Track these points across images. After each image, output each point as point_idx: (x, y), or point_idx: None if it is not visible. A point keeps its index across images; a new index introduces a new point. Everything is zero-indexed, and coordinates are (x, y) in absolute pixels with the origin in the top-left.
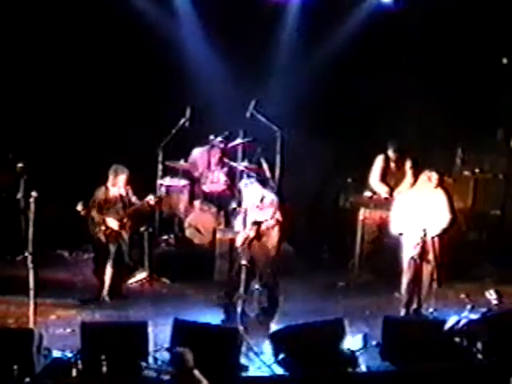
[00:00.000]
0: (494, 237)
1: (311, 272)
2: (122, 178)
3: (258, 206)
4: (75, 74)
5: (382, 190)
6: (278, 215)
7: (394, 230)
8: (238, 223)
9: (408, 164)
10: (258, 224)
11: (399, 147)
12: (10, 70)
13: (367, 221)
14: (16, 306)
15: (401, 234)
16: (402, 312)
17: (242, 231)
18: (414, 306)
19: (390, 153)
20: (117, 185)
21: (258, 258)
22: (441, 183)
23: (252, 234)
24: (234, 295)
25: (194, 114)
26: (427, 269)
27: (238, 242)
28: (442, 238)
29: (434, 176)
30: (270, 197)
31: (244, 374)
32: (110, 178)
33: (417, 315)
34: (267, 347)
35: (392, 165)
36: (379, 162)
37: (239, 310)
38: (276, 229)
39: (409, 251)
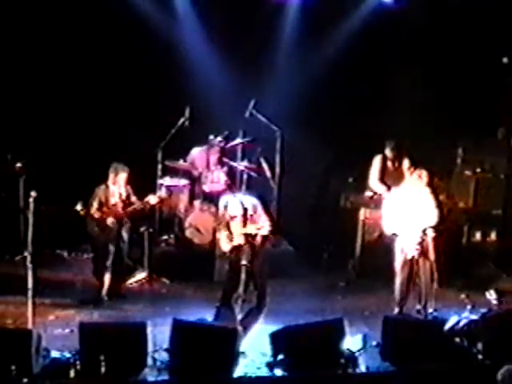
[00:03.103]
0: (495, 236)
1: (311, 272)
2: (123, 176)
3: (251, 215)
4: (74, 73)
5: (382, 190)
6: (269, 218)
7: (387, 230)
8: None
9: (406, 164)
10: (249, 235)
11: (396, 145)
12: (9, 70)
13: (367, 221)
14: (15, 306)
15: (394, 235)
16: (396, 311)
17: (227, 238)
18: (418, 306)
19: (387, 151)
20: (117, 183)
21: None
22: (430, 182)
23: (242, 242)
24: (230, 296)
25: (193, 113)
26: (426, 269)
27: (226, 248)
28: (437, 237)
29: (424, 174)
30: (257, 203)
31: (243, 374)
32: (111, 176)
33: (423, 316)
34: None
35: (389, 164)
36: (377, 162)
37: (238, 310)
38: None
39: (401, 250)
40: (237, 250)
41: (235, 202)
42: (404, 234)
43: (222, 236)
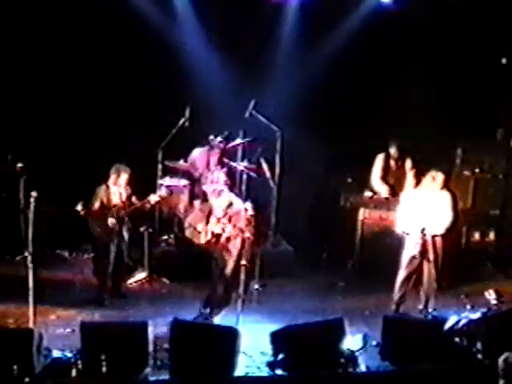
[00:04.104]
0: (494, 236)
1: (311, 272)
2: (124, 177)
3: (225, 211)
4: (75, 73)
5: (383, 190)
6: (242, 224)
7: (398, 229)
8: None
9: (409, 164)
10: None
11: (400, 145)
12: (9, 70)
13: (367, 221)
14: (16, 306)
15: (406, 233)
16: (392, 308)
17: (203, 229)
18: (420, 306)
19: (391, 150)
20: (118, 184)
21: (219, 260)
22: (446, 184)
23: (211, 238)
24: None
25: (193, 113)
26: (428, 268)
27: (202, 239)
28: (443, 238)
29: (440, 176)
30: (238, 205)
31: (243, 374)
32: (113, 177)
33: (423, 315)
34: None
35: (392, 163)
36: (380, 160)
37: (239, 309)
38: (238, 239)
39: (409, 250)
40: (209, 245)
41: (225, 196)
42: (414, 233)
43: (199, 227)
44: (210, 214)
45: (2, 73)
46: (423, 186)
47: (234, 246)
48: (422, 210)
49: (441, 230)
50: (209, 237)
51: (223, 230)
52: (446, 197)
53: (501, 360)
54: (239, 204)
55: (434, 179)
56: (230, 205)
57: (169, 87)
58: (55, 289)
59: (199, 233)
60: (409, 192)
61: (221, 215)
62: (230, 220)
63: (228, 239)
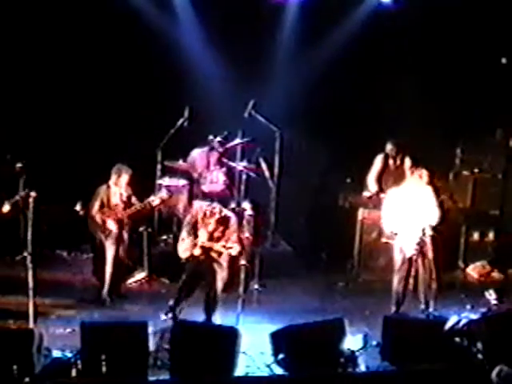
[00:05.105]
0: (493, 236)
1: (311, 272)
2: (125, 177)
3: (217, 226)
4: (74, 73)
5: (373, 190)
6: (235, 238)
7: (387, 229)
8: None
9: (407, 163)
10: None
11: (398, 144)
12: (9, 70)
13: (366, 221)
14: (16, 306)
15: (395, 233)
16: (392, 310)
17: (188, 244)
18: (422, 306)
19: (389, 147)
20: (119, 184)
21: (206, 274)
22: (431, 181)
23: (200, 254)
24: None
25: (192, 113)
26: (425, 268)
27: (183, 255)
28: (435, 237)
29: (425, 173)
30: (230, 218)
31: (243, 374)
32: (114, 177)
33: (425, 315)
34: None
35: (391, 162)
36: (378, 161)
37: (239, 309)
38: (226, 253)
39: (400, 249)
40: (195, 259)
41: (214, 209)
42: (403, 232)
43: (184, 241)
44: (196, 227)
45: (2, 73)
46: (408, 184)
47: (225, 260)
48: (408, 209)
49: (429, 228)
50: (198, 251)
51: (226, 247)
52: (430, 194)
53: (494, 374)
54: (231, 216)
55: (421, 177)
56: (221, 220)
57: (168, 87)
58: (55, 289)
59: (191, 247)
60: (392, 190)
61: (212, 229)
62: (223, 234)
63: (220, 254)
